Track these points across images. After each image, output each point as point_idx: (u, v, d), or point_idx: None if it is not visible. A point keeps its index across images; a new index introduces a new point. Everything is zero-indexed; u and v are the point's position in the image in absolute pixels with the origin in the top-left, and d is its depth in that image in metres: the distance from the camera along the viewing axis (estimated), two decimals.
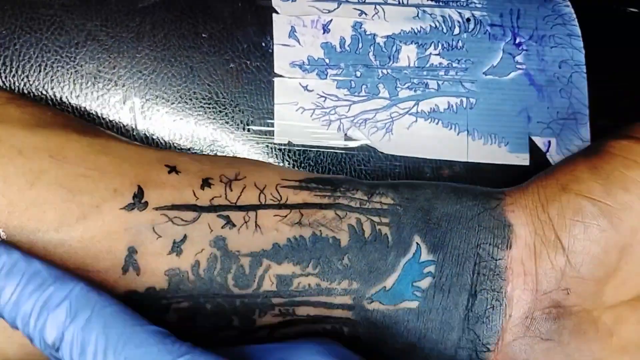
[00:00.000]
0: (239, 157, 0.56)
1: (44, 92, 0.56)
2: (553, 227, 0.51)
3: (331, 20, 0.60)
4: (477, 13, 0.62)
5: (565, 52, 0.62)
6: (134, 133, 0.57)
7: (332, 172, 0.59)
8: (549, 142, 0.61)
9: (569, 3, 0.64)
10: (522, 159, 0.61)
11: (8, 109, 0.50)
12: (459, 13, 0.62)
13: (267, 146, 0.58)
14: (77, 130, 0.51)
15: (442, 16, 0.62)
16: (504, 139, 0.61)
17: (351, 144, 0.59)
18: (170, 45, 0.58)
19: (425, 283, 0.51)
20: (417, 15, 0.61)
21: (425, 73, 0.61)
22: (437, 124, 0.60)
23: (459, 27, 0.62)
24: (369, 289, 0.51)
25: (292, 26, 0.60)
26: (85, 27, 0.57)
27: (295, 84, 0.59)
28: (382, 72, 0.60)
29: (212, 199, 0.50)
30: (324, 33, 0.60)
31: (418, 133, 0.60)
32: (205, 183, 0.50)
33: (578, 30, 0.63)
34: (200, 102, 0.58)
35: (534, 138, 0.61)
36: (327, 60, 0.60)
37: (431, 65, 0.61)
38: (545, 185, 0.52)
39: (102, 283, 0.47)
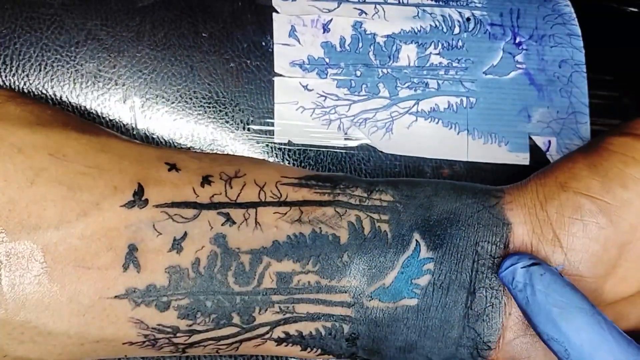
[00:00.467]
0: (239, 155, 0.56)
1: (44, 91, 0.57)
2: (551, 225, 0.51)
3: (331, 19, 0.60)
4: (477, 12, 0.62)
5: (565, 51, 0.62)
6: (134, 132, 0.57)
7: (332, 171, 0.59)
8: (549, 141, 0.61)
9: (569, 2, 0.64)
10: (522, 159, 0.61)
11: (7, 106, 0.50)
12: (459, 12, 0.62)
13: (267, 145, 0.59)
14: (76, 128, 0.51)
15: (442, 15, 0.62)
16: (504, 138, 0.61)
17: (351, 144, 0.60)
18: (170, 45, 0.58)
19: (424, 280, 0.51)
20: (417, 15, 0.62)
21: (425, 72, 0.61)
22: (437, 123, 0.60)
23: (459, 26, 0.62)
24: (368, 286, 0.51)
25: (292, 25, 0.60)
26: (85, 26, 0.57)
27: (296, 84, 0.59)
28: (382, 71, 0.60)
29: (212, 196, 0.50)
30: (324, 32, 0.60)
31: (418, 132, 0.60)
32: (205, 180, 0.50)
33: (578, 30, 0.63)
34: (200, 101, 0.58)
35: (534, 137, 0.61)
36: (327, 60, 0.60)
37: (431, 64, 0.61)
38: (544, 184, 0.52)
39: (102, 280, 0.47)
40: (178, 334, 0.49)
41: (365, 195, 0.52)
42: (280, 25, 0.60)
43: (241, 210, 0.50)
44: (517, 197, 0.53)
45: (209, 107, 0.58)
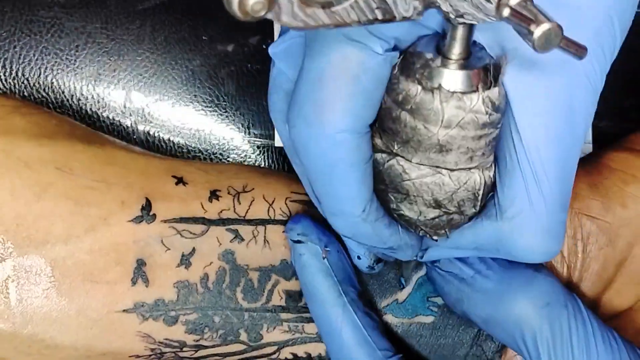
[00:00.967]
0: (246, 166, 0.56)
1: (45, 95, 0.56)
2: None
3: None
4: None
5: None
6: (135, 136, 0.57)
7: None
8: None
9: None
10: None
11: (13, 118, 0.50)
12: None
13: (268, 149, 0.59)
14: (82, 139, 0.51)
15: None
16: None
17: None
18: (170, 48, 0.58)
19: (441, 299, 0.51)
20: None
21: None
22: None
23: None
24: (380, 301, 0.51)
25: None
26: (85, 30, 0.57)
27: None
28: None
29: (221, 212, 0.50)
30: None
31: None
32: (213, 195, 0.50)
33: None
34: (201, 105, 0.58)
35: None
36: None
37: None
38: None
39: (111, 294, 0.48)
40: (185, 349, 0.49)
41: None
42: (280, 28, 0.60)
43: (250, 227, 0.50)
44: None
45: (210, 111, 0.58)
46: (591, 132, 0.59)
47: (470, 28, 0.38)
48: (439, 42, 0.40)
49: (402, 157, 0.43)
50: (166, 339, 0.49)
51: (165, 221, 0.49)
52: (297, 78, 0.42)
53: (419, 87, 0.40)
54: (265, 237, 0.50)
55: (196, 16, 0.59)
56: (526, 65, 0.39)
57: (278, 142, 0.58)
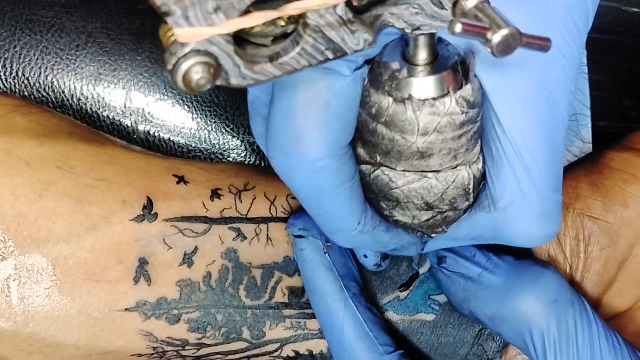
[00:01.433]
0: (246, 165, 0.56)
1: (45, 94, 0.56)
2: (561, 246, 0.51)
3: None
4: None
5: None
6: (135, 136, 0.57)
7: None
8: None
9: None
10: None
11: (13, 117, 0.50)
12: None
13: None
14: (82, 138, 0.51)
15: None
16: None
17: None
18: None
19: (443, 297, 0.51)
20: None
21: None
22: None
23: None
24: (381, 297, 0.51)
25: None
26: (85, 29, 0.57)
27: None
28: None
29: (223, 210, 0.50)
30: None
31: None
32: (215, 194, 0.50)
33: None
34: (201, 104, 0.58)
35: None
36: None
37: None
38: None
39: (113, 293, 0.48)
40: (187, 347, 0.49)
41: None
42: None
43: (252, 225, 0.50)
44: None
45: (210, 111, 0.58)
46: (591, 132, 0.59)
47: (432, 34, 0.38)
48: (404, 48, 0.39)
49: (387, 166, 0.43)
50: (168, 338, 0.49)
51: (167, 220, 0.49)
52: (270, 107, 0.42)
53: (390, 99, 0.40)
54: (267, 234, 0.50)
55: None
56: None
57: None
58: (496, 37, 0.31)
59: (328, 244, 0.48)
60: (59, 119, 0.52)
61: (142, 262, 0.48)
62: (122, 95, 0.57)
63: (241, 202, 0.50)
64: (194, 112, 0.58)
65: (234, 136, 0.58)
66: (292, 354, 0.51)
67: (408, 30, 0.36)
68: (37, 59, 0.56)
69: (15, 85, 0.56)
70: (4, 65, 0.56)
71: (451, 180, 0.43)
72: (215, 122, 0.58)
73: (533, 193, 0.42)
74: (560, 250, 0.51)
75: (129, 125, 0.57)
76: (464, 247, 0.49)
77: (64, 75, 0.57)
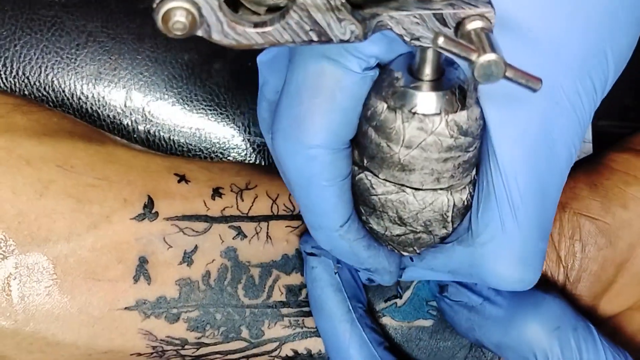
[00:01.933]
0: (248, 164, 0.56)
1: (45, 94, 0.56)
2: (555, 246, 0.51)
3: None
4: None
5: None
6: (135, 135, 0.57)
7: None
8: None
9: None
10: None
11: (14, 116, 0.50)
12: None
13: (268, 148, 0.59)
14: (83, 137, 0.51)
15: None
16: None
17: None
18: (171, 47, 0.58)
19: None
20: None
21: None
22: None
23: None
24: (378, 303, 0.51)
25: None
26: (86, 29, 0.57)
27: None
28: None
29: (224, 209, 0.50)
30: None
31: None
32: (216, 193, 0.50)
33: None
34: (202, 103, 0.58)
35: None
36: None
37: None
38: None
39: (113, 291, 0.48)
40: (186, 346, 0.49)
41: None
42: None
43: (253, 224, 0.50)
44: None
45: (210, 110, 0.58)
46: (591, 131, 0.59)
47: (440, 52, 0.38)
48: (412, 60, 0.40)
49: (370, 171, 0.43)
50: (168, 337, 0.49)
51: (167, 219, 0.49)
52: (281, 89, 0.42)
53: (384, 105, 0.40)
54: (267, 232, 0.50)
55: None
56: (507, 90, 0.38)
57: None
58: (479, 61, 0.31)
59: (339, 264, 0.48)
60: (59, 118, 0.52)
61: (142, 261, 0.48)
62: (122, 95, 0.57)
63: (243, 200, 0.50)
64: (195, 111, 0.58)
65: (234, 135, 0.58)
66: (290, 354, 0.51)
67: (407, 39, 0.36)
68: (37, 58, 0.56)
69: (15, 85, 0.56)
70: (4, 65, 0.56)
71: (429, 202, 0.43)
72: (215, 121, 0.58)
73: (515, 234, 0.42)
74: (553, 249, 0.51)
75: (129, 124, 0.57)
76: None
77: (64, 75, 0.57)
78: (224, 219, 0.49)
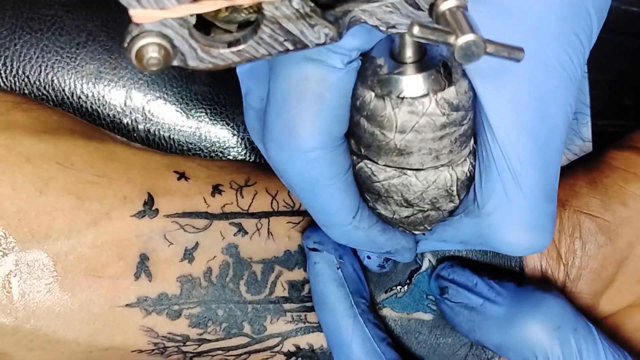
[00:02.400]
0: (246, 162, 0.57)
1: (45, 93, 0.56)
2: (555, 243, 0.51)
3: None
4: None
5: None
6: (135, 134, 0.57)
7: None
8: None
9: None
10: None
11: (14, 114, 0.50)
12: None
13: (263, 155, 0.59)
14: (83, 135, 0.51)
15: None
16: None
17: None
18: None
19: None
20: None
21: None
22: None
23: None
24: (379, 294, 0.51)
25: None
26: (86, 28, 0.57)
27: None
28: None
29: (224, 206, 0.50)
30: None
31: None
32: (216, 190, 0.50)
33: None
34: (201, 102, 0.58)
35: None
36: None
37: None
38: None
39: (114, 288, 0.48)
40: (188, 343, 0.49)
41: None
42: None
43: (254, 220, 0.50)
44: None
45: (210, 109, 0.58)
46: (590, 131, 0.60)
47: None
48: (392, 45, 0.40)
49: (370, 159, 0.43)
50: (169, 333, 0.49)
51: (167, 216, 0.49)
52: (267, 99, 0.42)
53: (372, 94, 0.40)
54: (268, 229, 0.50)
55: None
56: (493, 62, 0.38)
57: None
58: (458, 43, 0.31)
59: (341, 260, 0.48)
60: (59, 116, 0.52)
61: (143, 258, 0.48)
62: (122, 94, 0.57)
63: (242, 197, 0.50)
64: (194, 110, 0.58)
65: (234, 134, 0.58)
66: (293, 349, 0.51)
67: (383, 28, 0.36)
68: (37, 57, 0.56)
69: (15, 84, 0.56)
70: (4, 64, 0.56)
71: (432, 180, 0.43)
72: (215, 120, 0.58)
73: (519, 200, 0.42)
74: (554, 247, 0.51)
75: (129, 123, 0.57)
76: (465, 277, 0.49)
77: (65, 74, 0.57)
78: (224, 216, 0.50)
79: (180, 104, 0.58)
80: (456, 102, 0.40)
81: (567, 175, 0.53)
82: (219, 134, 0.58)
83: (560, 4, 0.41)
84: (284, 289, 0.50)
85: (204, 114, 0.58)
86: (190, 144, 0.58)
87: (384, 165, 0.42)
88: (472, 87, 0.41)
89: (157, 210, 0.48)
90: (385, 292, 0.51)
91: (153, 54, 0.32)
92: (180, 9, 0.31)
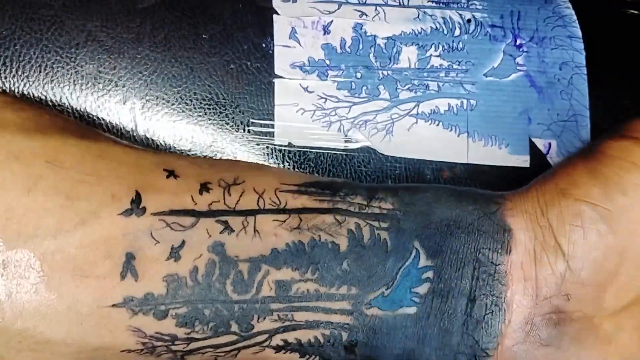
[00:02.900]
0: (238, 161, 0.56)
1: (44, 93, 0.56)
2: (553, 232, 0.51)
3: (332, 21, 0.60)
4: (477, 14, 0.62)
5: (565, 53, 0.62)
6: (134, 134, 0.57)
7: (332, 174, 0.59)
8: (550, 144, 0.61)
9: (569, 5, 0.64)
10: (523, 161, 0.61)
11: (4, 113, 0.50)
12: (460, 14, 0.62)
13: (267, 147, 0.58)
14: (74, 134, 0.51)
15: (443, 17, 0.62)
16: (504, 140, 0.60)
17: (351, 146, 0.59)
18: (170, 46, 0.58)
19: (423, 289, 0.51)
20: (418, 17, 0.61)
21: (425, 74, 0.60)
22: (437, 125, 0.60)
23: (460, 28, 0.62)
24: (367, 294, 0.51)
25: (292, 27, 0.60)
26: (85, 28, 0.57)
27: (296, 85, 0.59)
28: (382, 73, 0.60)
29: (211, 203, 0.50)
30: (324, 34, 0.60)
31: (418, 134, 0.60)
32: (204, 188, 0.50)
33: (579, 32, 0.63)
34: (201, 103, 0.58)
35: (534, 140, 0.61)
36: (327, 62, 0.60)
37: (432, 66, 0.61)
38: (545, 190, 0.52)
39: (100, 288, 0.48)
40: (176, 342, 0.49)
41: (365, 202, 0.52)
42: (280, 26, 0.60)
43: (240, 218, 0.50)
44: (518, 203, 0.52)
45: (209, 109, 0.58)
46: (590, 130, 0.59)
47: None
48: None
49: None
50: (157, 333, 0.49)
51: (155, 214, 0.48)
52: None
53: None
54: (255, 227, 0.50)
55: (196, 14, 0.59)
56: None
57: (278, 140, 0.58)
58: None
59: None
60: (51, 116, 0.52)
61: (130, 257, 0.48)
62: (121, 94, 0.57)
63: (230, 195, 0.50)
64: (193, 110, 0.58)
65: (234, 134, 0.58)
66: (281, 344, 0.51)
67: None
68: (36, 57, 0.57)
69: (14, 84, 0.56)
70: (3, 64, 0.56)
71: None
72: (215, 120, 0.58)
73: None
74: (552, 236, 0.50)
75: (128, 124, 0.57)
76: None
77: (64, 74, 0.57)
78: (211, 214, 0.49)
79: (179, 104, 0.58)
80: None
81: (566, 165, 0.53)
82: (216, 135, 0.58)
83: None
84: (271, 288, 0.50)
85: (203, 114, 0.58)
86: (190, 144, 0.58)
87: None
88: None
89: (144, 209, 0.48)
90: (374, 292, 0.51)
91: None
92: None
